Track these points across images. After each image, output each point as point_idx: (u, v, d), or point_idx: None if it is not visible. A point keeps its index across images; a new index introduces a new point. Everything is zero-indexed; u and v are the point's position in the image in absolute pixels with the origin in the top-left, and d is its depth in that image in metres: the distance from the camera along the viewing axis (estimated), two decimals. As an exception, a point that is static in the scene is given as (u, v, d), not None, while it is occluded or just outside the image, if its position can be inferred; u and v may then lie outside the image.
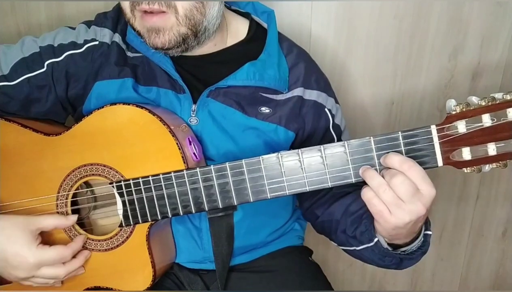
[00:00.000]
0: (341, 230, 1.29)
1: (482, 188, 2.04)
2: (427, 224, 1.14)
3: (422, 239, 1.14)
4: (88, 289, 1.23)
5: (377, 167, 1.03)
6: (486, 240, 2.14)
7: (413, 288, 2.22)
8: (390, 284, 2.21)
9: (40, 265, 1.13)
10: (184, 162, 1.12)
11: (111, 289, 1.22)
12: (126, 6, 1.17)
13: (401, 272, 2.16)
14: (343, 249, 1.33)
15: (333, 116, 1.36)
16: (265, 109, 1.29)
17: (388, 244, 1.15)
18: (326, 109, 1.35)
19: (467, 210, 2.07)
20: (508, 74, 1.82)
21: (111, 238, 1.19)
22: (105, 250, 1.20)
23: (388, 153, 1.01)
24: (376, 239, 1.15)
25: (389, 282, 2.21)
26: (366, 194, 1.01)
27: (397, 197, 0.98)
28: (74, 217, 1.19)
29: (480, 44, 1.79)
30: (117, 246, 1.19)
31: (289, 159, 1.05)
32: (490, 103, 0.96)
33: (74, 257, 1.18)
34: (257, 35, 1.34)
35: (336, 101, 1.40)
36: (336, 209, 1.31)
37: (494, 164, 0.99)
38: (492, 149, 0.98)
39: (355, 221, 1.24)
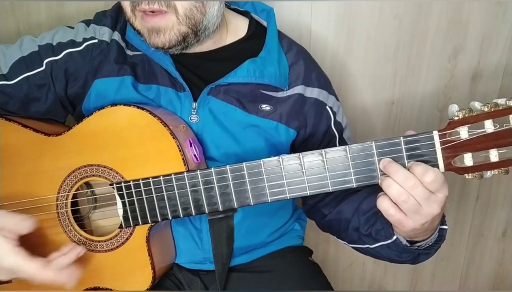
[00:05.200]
0: (353, 228, 1.28)
1: (482, 188, 2.04)
2: (443, 218, 1.15)
3: (438, 233, 1.15)
4: (87, 289, 1.22)
5: (378, 172, 1.02)
6: (486, 240, 2.14)
7: (413, 288, 2.22)
8: (390, 284, 2.21)
9: (14, 274, 1.05)
10: (185, 164, 1.12)
11: (111, 289, 1.22)
12: (126, 6, 1.17)
13: (401, 272, 2.17)
14: (353, 247, 1.33)
15: (334, 114, 1.36)
16: (265, 107, 1.29)
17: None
18: (327, 107, 1.35)
19: (467, 210, 2.08)
20: (508, 74, 1.82)
21: (111, 239, 1.19)
22: (105, 251, 1.20)
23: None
24: (395, 237, 1.15)
25: (389, 282, 2.21)
26: (382, 204, 1.01)
27: (418, 204, 0.99)
28: (29, 221, 1.07)
29: (480, 44, 1.79)
30: (117, 247, 1.19)
31: (290, 163, 1.05)
32: (492, 109, 0.96)
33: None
34: (257, 33, 1.34)
35: (337, 99, 1.40)
36: (346, 208, 1.31)
37: (495, 170, 0.99)
38: (494, 155, 0.97)
39: (369, 219, 1.24)
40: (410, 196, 0.98)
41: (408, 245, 1.15)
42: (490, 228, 2.12)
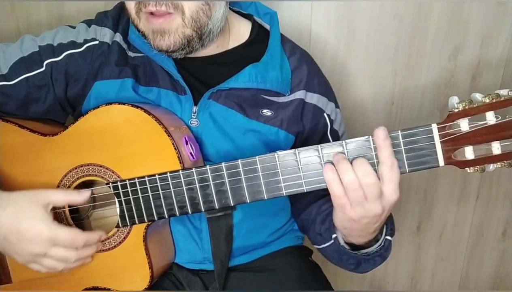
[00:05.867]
0: (312, 228, 1.30)
1: (482, 188, 2.04)
2: (392, 231, 1.16)
3: (384, 244, 1.15)
4: (86, 289, 1.23)
5: (376, 167, 1.00)
6: (486, 240, 2.14)
7: (413, 288, 2.22)
8: (390, 284, 2.21)
9: (54, 241, 1.10)
10: (180, 162, 1.12)
11: (109, 289, 1.22)
12: (131, 7, 1.17)
13: (401, 272, 2.17)
14: (317, 248, 1.34)
15: (331, 121, 1.36)
16: (267, 112, 1.28)
17: (349, 245, 1.16)
18: (325, 114, 1.35)
19: (467, 210, 2.07)
20: (508, 74, 1.82)
21: (108, 238, 1.19)
22: (103, 250, 1.20)
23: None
24: (334, 235, 1.17)
25: (389, 282, 2.21)
26: (335, 189, 0.99)
27: (364, 197, 0.98)
28: (88, 192, 1.15)
29: (480, 44, 1.79)
30: (115, 246, 1.19)
31: (286, 159, 1.04)
32: (494, 101, 0.93)
33: None
34: (259, 37, 1.34)
35: (337, 106, 1.40)
36: (313, 209, 1.32)
37: (498, 163, 0.96)
38: (496, 147, 0.95)
39: (323, 219, 1.25)
40: (361, 189, 0.97)
41: (346, 247, 1.16)
42: (490, 228, 2.12)
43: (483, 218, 2.09)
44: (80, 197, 1.14)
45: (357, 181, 0.97)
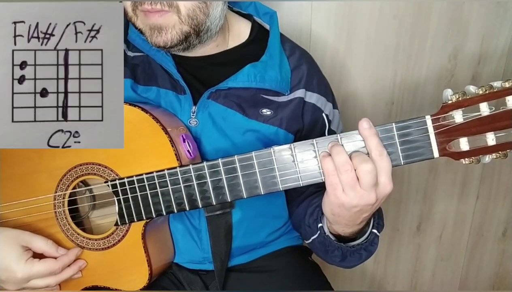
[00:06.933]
0: (303, 222, 1.29)
1: (482, 188, 2.04)
2: (379, 225, 1.15)
3: (370, 238, 1.14)
4: (85, 288, 1.23)
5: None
6: (486, 240, 2.14)
7: (413, 288, 2.22)
8: (390, 284, 2.21)
9: (29, 279, 1.14)
10: (178, 159, 1.12)
11: (109, 288, 1.22)
12: (127, 5, 1.17)
13: (401, 272, 2.16)
14: (306, 243, 1.32)
15: (329, 122, 1.36)
16: (266, 111, 1.28)
17: (335, 237, 1.16)
18: (323, 114, 1.35)
19: (467, 210, 2.08)
20: (508, 74, 1.82)
21: (107, 237, 1.19)
22: (102, 249, 1.20)
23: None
24: (320, 225, 1.16)
25: (389, 282, 2.21)
26: (326, 165, 0.99)
27: (356, 180, 0.97)
28: (62, 251, 1.19)
29: (480, 44, 1.79)
30: (114, 245, 1.19)
31: (282, 154, 1.03)
32: (488, 92, 0.93)
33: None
34: (259, 37, 1.34)
35: (335, 107, 1.40)
36: (305, 203, 1.31)
37: (493, 154, 0.96)
38: (491, 138, 0.94)
39: (312, 211, 1.24)
40: (353, 171, 0.97)
41: (331, 237, 1.15)
42: (490, 228, 2.12)
43: (483, 217, 2.09)
44: (57, 254, 1.18)
45: (350, 162, 0.97)
